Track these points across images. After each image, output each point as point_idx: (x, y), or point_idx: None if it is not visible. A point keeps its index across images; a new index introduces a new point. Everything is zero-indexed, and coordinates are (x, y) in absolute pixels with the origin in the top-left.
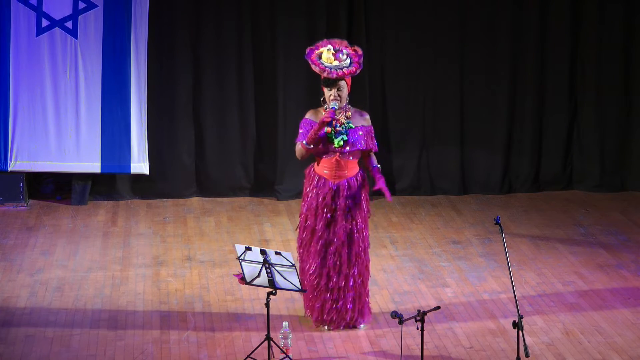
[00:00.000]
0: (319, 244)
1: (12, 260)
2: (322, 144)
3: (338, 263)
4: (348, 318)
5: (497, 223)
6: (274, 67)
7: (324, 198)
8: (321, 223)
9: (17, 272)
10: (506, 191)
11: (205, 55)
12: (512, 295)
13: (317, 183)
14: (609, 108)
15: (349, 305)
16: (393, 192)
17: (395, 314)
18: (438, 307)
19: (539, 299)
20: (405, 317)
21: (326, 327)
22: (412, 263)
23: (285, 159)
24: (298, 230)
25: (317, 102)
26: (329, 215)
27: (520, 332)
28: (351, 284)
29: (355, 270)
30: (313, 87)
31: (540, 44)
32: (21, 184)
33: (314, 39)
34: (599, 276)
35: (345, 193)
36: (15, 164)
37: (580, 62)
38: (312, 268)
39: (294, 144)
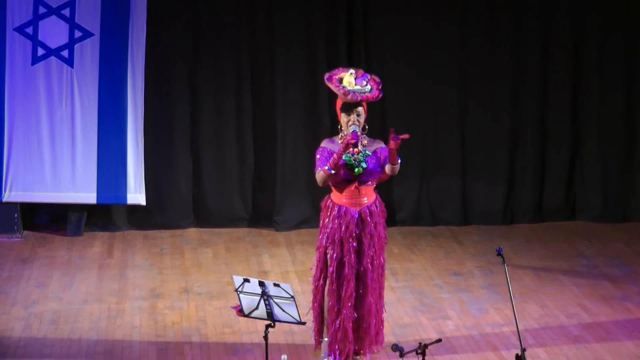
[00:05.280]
0: (352, 274)
1: (6, 292)
2: (342, 172)
3: (361, 291)
4: (368, 344)
5: (499, 254)
6: (272, 96)
7: (347, 227)
8: (350, 254)
9: (11, 305)
10: (508, 222)
11: (203, 84)
12: (515, 328)
13: (338, 213)
14: (612, 138)
15: (371, 332)
16: (393, 223)
17: (396, 347)
18: (439, 340)
19: (542, 331)
20: (406, 350)
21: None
22: (412, 295)
23: (284, 189)
24: (317, 264)
25: (316, 131)
26: (355, 244)
27: None
28: (372, 310)
29: (374, 297)
30: (312, 116)
31: (542, 73)
32: (16, 215)
33: (314, 68)
34: (602, 308)
35: (368, 219)
36: (10, 195)
37: (582, 91)
38: (350, 301)
39: (314, 173)
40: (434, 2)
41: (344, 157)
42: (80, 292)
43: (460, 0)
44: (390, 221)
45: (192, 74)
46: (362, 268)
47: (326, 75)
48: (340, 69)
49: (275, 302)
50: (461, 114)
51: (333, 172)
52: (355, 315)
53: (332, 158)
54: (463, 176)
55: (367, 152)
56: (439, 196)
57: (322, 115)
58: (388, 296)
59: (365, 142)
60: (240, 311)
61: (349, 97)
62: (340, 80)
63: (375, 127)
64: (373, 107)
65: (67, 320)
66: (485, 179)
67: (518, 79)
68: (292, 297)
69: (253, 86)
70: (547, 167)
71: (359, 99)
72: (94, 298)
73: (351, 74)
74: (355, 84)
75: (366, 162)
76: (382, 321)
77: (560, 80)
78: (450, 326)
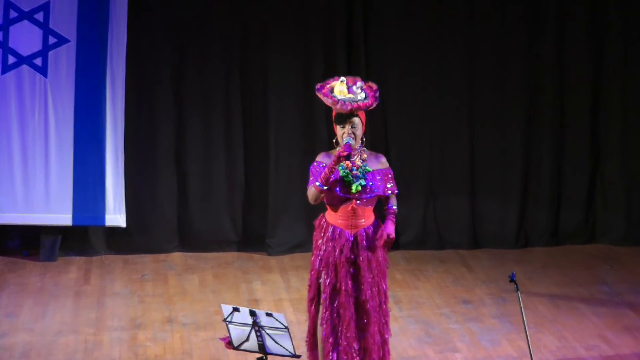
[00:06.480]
0: (350, 302)
1: None
2: (338, 190)
3: (365, 320)
4: None
5: (512, 280)
6: (265, 109)
7: (341, 251)
8: (345, 279)
9: None
10: (522, 245)
11: (189, 95)
12: None
13: (332, 235)
14: (635, 153)
15: None
16: (397, 247)
17: None
18: None
19: None
20: None
21: None
22: (417, 325)
23: (277, 210)
24: (308, 288)
25: (312, 147)
26: (352, 270)
27: None
28: (375, 342)
29: (377, 327)
30: (308, 130)
31: (559, 84)
32: None
33: (310, 80)
34: (625, 339)
35: (365, 243)
36: None
37: (603, 104)
38: (348, 331)
39: (306, 189)
40: (441, 10)
41: (341, 172)
42: (54, 322)
43: (469, 8)
44: (393, 244)
45: (177, 84)
46: (362, 296)
47: (317, 86)
48: (335, 77)
49: (268, 333)
50: (470, 127)
51: (325, 188)
52: (356, 347)
53: (323, 172)
54: (473, 195)
55: (367, 167)
56: (446, 217)
57: (319, 129)
58: (391, 326)
59: (365, 155)
60: (229, 343)
61: (338, 106)
62: (332, 89)
63: (378, 145)
64: (375, 122)
65: (39, 353)
66: (497, 198)
67: (532, 89)
68: (286, 327)
69: (244, 98)
70: (564, 185)
71: (349, 108)
72: (69, 329)
73: (342, 81)
74: (348, 93)
75: (366, 179)
76: (388, 352)
77: (579, 91)
78: (459, 359)
